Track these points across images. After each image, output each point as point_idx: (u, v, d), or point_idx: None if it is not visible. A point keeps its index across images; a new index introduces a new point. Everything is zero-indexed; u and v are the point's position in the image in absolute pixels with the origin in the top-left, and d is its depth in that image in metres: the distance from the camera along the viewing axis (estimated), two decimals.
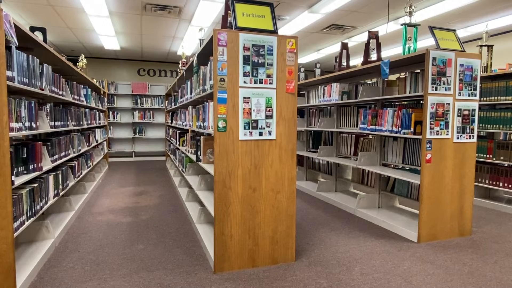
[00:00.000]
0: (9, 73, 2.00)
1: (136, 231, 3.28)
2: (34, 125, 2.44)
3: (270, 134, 2.43)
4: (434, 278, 2.32)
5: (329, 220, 3.69)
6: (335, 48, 7.46)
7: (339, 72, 4.15)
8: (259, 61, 2.37)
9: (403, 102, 3.82)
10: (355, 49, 7.26)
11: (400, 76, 3.57)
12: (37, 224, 2.80)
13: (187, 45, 7.22)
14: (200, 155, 3.15)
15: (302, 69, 5.74)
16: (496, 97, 4.12)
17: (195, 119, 3.49)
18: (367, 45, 3.74)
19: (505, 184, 3.99)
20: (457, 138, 3.03)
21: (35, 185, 2.50)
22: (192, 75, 3.65)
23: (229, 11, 2.61)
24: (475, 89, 3.07)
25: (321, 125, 4.61)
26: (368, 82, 4.30)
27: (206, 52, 2.91)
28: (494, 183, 4.11)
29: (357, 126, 4.07)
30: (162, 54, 8.45)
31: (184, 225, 3.47)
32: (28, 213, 2.36)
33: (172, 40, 7.03)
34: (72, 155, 3.78)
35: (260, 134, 2.41)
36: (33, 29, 3.37)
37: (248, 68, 2.35)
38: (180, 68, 6.24)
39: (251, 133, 2.38)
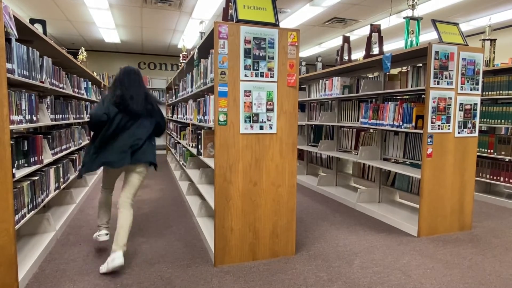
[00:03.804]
0: (9, 66, 1.98)
1: (137, 224, 3.29)
2: (34, 118, 2.44)
3: (271, 128, 2.43)
4: (433, 272, 2.33)
5: (330, 214, 3.70)
6: (337, 41, 7.40)
7: (340, 66, 4.13)
8: (260, 54, 2.35)
9: (404, 96, 3.80)
10: (357, 43, 7.20)
11: (402, 70, 3.55)
12: (38, 217, 2.81)
13: (187, 38, 7.18)
14: (201, 148, 3.15)
15: (304, 63, 5.71)
16: (498, 92, 4.10)
17: (195, 113, 3.48)
18: (369, 38, 3.71)
19: (506, 179, 3.99)
20: (459, 133, 3.02)
21: (36, 178, 2.50)
22: (192, 69, 3.63)
23: (230, 4, 2.59)
24: (477, 84, 3.05)
25: (322, 119, 4.60)
26: (369, 76, 4.28)
27: (207, 45, 2.89)
28: (494, 178, 4.11)
29: (358, 121, 4.05)
30: (163, 47, 8.41)
31: (184, 219, 3.48)
32: (29, 206, 2.36)
33: (173, 33, 6.98)
34: (72, 148, 3.78)
35: (261, 128, 2.40)
36: (32, 21, 3.35)
37: (249, 61, 2.33)
38: (181, 61, 6.21)
39: (251, 126, 2.38)
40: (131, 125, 2.44)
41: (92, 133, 2.50)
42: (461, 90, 2.99)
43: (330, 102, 4.84)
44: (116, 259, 2.23)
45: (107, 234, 2.63)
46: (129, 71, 2.50)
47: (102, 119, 2.35)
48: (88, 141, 4.83)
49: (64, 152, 3.39)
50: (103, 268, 2.27)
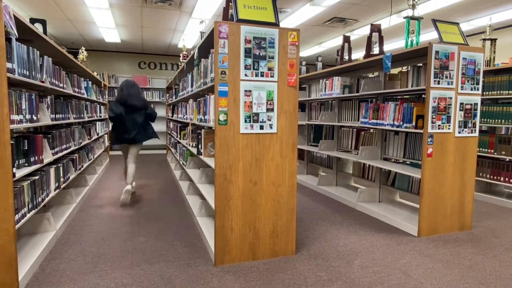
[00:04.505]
0: (9, 65, 1.99)
1: (137, 223, 3.29)
2: (34, 118, 2.44)
3: (271, 127, 2.43)
4: (433, 272, 2.33)
5: (330, 214, 3.70)
6: (337, 41, 7.40)
7: (340, 65, 4.13)
8: (261, 54, 2.35)
9: (405, 96, 3.80)
10: (357, 43, 7.20)
11: (402, 70, 3.55)
12: (38, 217, 2.81)
13: (188, 38, 7.18)
14: (201, 148, 3.15)
15: (304, 63, 5.71)
16: (498, 92, 4.10)
17: (196, 112, 3.48)
18: (369, 38, 3.71)
19: (506, 179, 3.99)
20: (459, 133, 3.02)
21: (36, 177, 2.50)
22: (193, 68, 3.63)
23: (230, 3, 2.59)
24: (477, 83, 3.05)
25: (322, 119, 4.60)
26: (370, 75, 4.28)
27: (207, 45, 2.89)
28: (495, 177, 4.11)
29: (358, 120, 4.05)
30: (163, 47, 8.41)
31: (185, 218, 3.48)
32: (30, 206, 2.36)
33: (173, 33, 6.98)
34: (73, 148, 3.78)
35: (261, 127, 2.40)
36: (33, 20, 3.35)
37: (250, 61, 2.33)
38: (181, 61, 6.21)
39: (252, 126, 2.38)
40: (130, 117, 3.95)
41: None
42: (461, 90, 2.99)
43: (330, 101, 4.84)
44: (126, 188, 3.90)
45: (132, 187, 4.07)
46: (128, 81, 4.10)
47: (117, 113, 3.89)
48: (88, 141, 4.87)
49: (65, 152, 3.39)
50: (123, 198, 3.90)
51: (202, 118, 3.05)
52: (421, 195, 2.97)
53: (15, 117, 2.12)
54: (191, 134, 4.10)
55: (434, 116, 2.89)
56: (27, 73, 2.32)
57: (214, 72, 2.31)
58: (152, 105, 9.23)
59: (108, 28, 6.52)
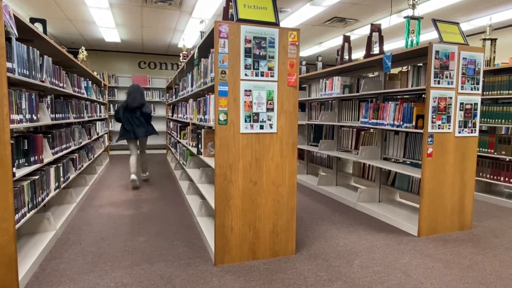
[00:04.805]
0: (9, 65, 1.98)
1: (137, 223, 3.29)
2: (34, 117, 2.44)
3: (271, 127, 2.43)
4: (433, 272, 2.33)
5: (330, 213, 3.70)
6: (337, 41, 7.40)
7: (340, 65, 4.13)
8: (261, 54, 2.35)
9: (405, 96, 3.80)
10: (357, 42, 7.20)
11: (402, 70, 3.55)
12: (38, 216, 2.81)
13: (188, 37, 7.18)
14: (201, 148, 3.15)
15: (304, 62, 5.71)
16: (498, 91, 4.10)
17: (196, 112, 3.48)
18: (369, 38, 3.71)
19: (506, 179, 3.99)
20: (459, 133, 3.02)
21: (36, 177, 2.50)
22: (193, 68, 3.63)
23: (230, 3, 2.59)
24: (477, 83, 3.05)
25: (322, 118, 4.60)
26: (370, 75, 4.27)
27: (207, 45, 2.89)
28: (495, 177, 4.11)
29: (358, 120, 4.05)
30: (163, 46, 8.40)
31: (185, 218, 3.48)
32: (30, 205, 2.36)
33: (173, 33, 6.98)
34: (73, 148, 3.78)
35: (261, 127, 2.40)
36: (33, 20, 3.35)
37: (250, 60, 2.33)
38: (181, 60, 6.21)
39: (252, 126, 2.38)
40: (134, 116, 4.81)
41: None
42: (461, 89, 2.99)
43: (330, 101, 4.84)
44: (145, 177, 5.23)
45: (134, 175, 4.80)
46: (133, 86, 4.97)
47: (118, 116, 4.88)
48: (88, 140, 4.87)
49: (65, 152, 3.39)
50: (135, 183, 4.77)
51: (202, 117, 3.04)
52: (421, 195, 2.97)
53: (15, 116, 2.12)
54: (191, 134, 4.10)
55: (434, 116, 2.89)
56: (27, 73, 2.32)
57: (214, 72, 2.31)
58: (151, 105, 9.35)
59: (108, 27, 6.52)
